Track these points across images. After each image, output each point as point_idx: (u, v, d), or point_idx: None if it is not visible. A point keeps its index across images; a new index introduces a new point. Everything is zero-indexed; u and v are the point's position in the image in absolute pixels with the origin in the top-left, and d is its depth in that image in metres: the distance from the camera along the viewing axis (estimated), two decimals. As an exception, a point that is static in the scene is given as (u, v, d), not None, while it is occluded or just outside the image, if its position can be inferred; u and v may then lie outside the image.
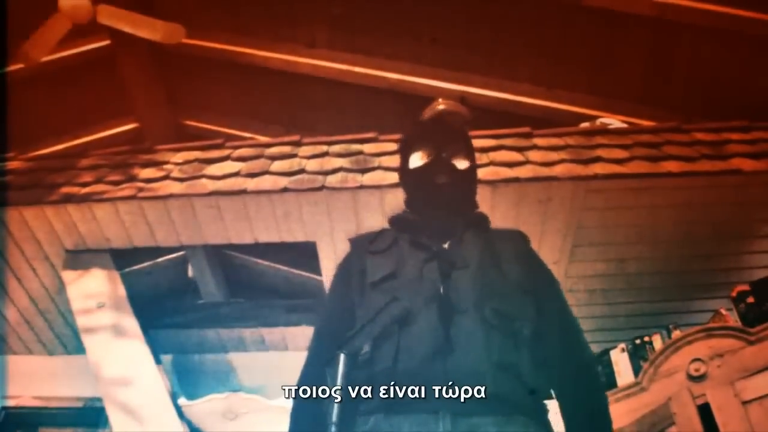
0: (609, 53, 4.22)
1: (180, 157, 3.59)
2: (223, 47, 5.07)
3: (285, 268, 3.91)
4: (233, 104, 5.57)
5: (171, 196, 3.36)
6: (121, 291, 3.55)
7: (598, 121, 3.97)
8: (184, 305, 3.95)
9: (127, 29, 4.13)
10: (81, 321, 3.47)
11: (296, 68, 4.96)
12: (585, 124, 3.92)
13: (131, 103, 5.62)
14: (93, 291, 3.52)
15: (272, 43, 4.96)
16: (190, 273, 3.91)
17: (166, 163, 3.56)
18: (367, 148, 3.49)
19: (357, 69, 4.79)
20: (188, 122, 5.84)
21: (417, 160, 1.83)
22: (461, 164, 1.82)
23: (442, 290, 1.59)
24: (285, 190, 3.28)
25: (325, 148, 3.52)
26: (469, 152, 1.86)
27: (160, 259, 3.89)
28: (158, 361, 3.46)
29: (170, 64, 5.40)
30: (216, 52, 5.10)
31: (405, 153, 1.88)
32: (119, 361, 3.37)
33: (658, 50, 4.10)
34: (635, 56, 4.15)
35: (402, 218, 1.84)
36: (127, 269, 3.70)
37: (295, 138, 3.62)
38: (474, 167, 1.89)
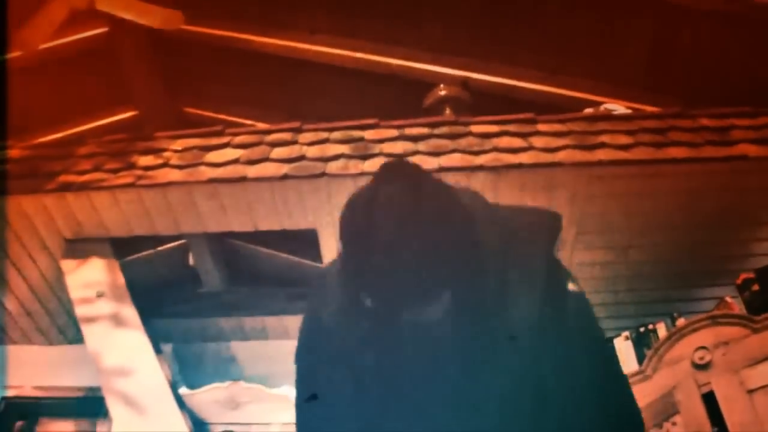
0: (613, 38, 4.18)
1: (179, 144, 3.56)
2: (223, 33, 5.05)
3: (286, 255, 3.87)
4: (233, 91, 5.54)
5: (170, 183, 3.34)
6: (121, 280, 3.53)
7: (602, 107, 3.94)
8: (184, 294, 3.92)
9: (126, 16, 4.09)
10: (80, 310, 3.45)
11: (296, 54, 4.93)
12: (589, 110, 3.88)
13: (130, 91, 5.60)
14: (92, 280, 3.49)
15: (272, 29, 4.93)
16: (191, 261, 3.88)
17: (165, 150, 3.52)
18: (368, 134, 3.46)
19: (358, 54, 4.76)
20: (187, 109, 5.82)
21: None
22: None
23: None
24: (285, 177, 3.25)
25: (325, 134, 3.48)
26: None
27: (160, 248, 3.86)
28: (158, 351, 3.44)
29: (169, 51, 5.37)
30: (215, 39, 5.07)
31: None
32: (119, 350, 3.35)
33: (662, 35, 4.06)
34: (639, 41, 4.12)
35: None
36: (126, 258, 3.68)
37: (296, 124, 3.58)
38: None
